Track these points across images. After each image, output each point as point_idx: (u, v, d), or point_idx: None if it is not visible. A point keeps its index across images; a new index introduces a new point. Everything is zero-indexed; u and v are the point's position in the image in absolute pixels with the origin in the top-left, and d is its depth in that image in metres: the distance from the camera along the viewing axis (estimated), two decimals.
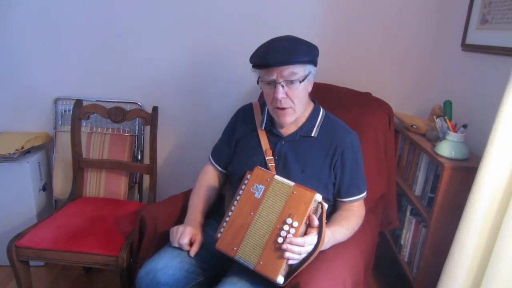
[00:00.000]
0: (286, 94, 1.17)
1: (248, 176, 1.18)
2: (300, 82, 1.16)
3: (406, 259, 1.69)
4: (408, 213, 1.70)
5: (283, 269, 1.02)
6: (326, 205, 1.11)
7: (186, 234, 1.18)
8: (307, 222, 1.07)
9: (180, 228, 1.21)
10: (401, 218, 1.75)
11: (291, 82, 1.15)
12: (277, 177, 1.12)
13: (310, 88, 1.24)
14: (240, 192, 1.17)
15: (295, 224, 1.04)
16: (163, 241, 1.32)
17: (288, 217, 1.05)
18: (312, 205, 1.07)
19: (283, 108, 1.19)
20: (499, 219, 1.11)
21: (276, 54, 1.13)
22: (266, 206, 1.09)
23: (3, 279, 1.89)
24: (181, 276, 1.15)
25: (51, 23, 1.94)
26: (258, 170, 1.15)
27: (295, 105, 1.19)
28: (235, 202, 1.16)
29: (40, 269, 1.97)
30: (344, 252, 1.16)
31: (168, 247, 1.22)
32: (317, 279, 1.01)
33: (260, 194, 1.10)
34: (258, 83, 1.22)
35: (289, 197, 1.08)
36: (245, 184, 1.17)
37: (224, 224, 1.15)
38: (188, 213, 1.31)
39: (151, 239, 1.33)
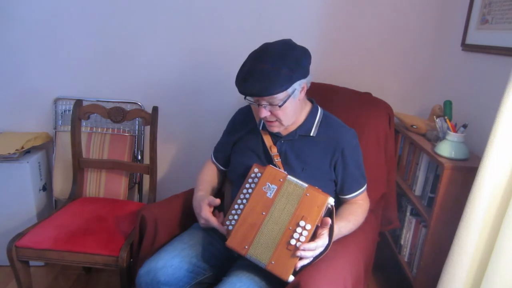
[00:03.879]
0: (271, 112, 1.18)
1: (255, 170, 1.20)
2: (280, 106, 1.15)
3: (406, 259, 1.69)
4: (408, 213, 1.70)
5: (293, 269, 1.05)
6: (332, 201, 1.11)
7: (203, 209, 1.21)
8: (319, 224, 1.08)
9: (197, 210, 1.25)
10: (401, 218, 1.75)
11: (273, 104, 1.16)
12: (290, 177, 1.12)
13: (301, 96, 1.23)
14: (247, 185, 1.18)
15: (308, 227, 1.07)
16: (164, 240, 1.32)
17: (301, 219, 1.07)
18: (325, 208, 1.08)
19: (271, 122, 1.22)
20: (499, 219, 1.11)
21: (252, 84, 1.12)
22: (278, 206, 1.10)
23: (3, 279, 1.89)
24: (181, 275, 1.15)
25: (52, 23, 1.94)
26: (271, 169, 1.15)
27: (281, 120, 1.20)
28: (242, 196, 1.17)
29: (40, 269, 1.97)
30: (344, 252, 1.16)
31: (169, 247, 1.23)
32: (318, 279, 1.01)
33: (272, 194, 1.11)
34: (245, 99, 1.22)
35: (302, 199, 1.09)
36: (252, 178, 1.18)
37: (231, 217, 1.16)
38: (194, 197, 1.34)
39: (151, 239, 1.33)
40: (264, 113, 1.17)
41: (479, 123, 1.51)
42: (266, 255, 1.07)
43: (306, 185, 1.11)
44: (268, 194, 1.12)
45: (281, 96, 1.14)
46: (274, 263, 1.05)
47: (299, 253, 1.04)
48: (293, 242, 1.06)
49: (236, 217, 1.16)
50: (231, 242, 1.11)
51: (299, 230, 1.07)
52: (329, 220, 1.07)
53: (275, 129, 1.24)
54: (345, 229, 1.20)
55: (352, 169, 1.28)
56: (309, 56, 1.21)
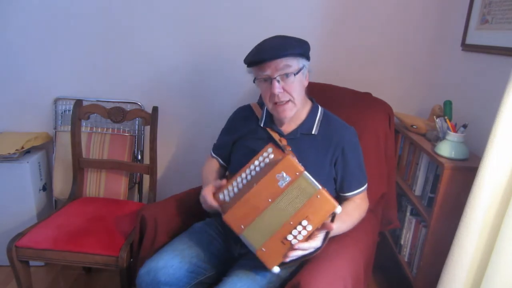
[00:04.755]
0: (283, 89, 1.18)
1: (269, 150, 1.16)
2: (294, 75, 1.17)
3: (406, 259, 1.69)
4: (408, 213, 1.70)
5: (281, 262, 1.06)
6: (339, 211, 1.09)
7: (205, 189, 1.20)
8: (319, 227, 1.08)
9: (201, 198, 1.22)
10: (401, 218, 1.75)
11: (286, 76, 1.17)
12: (306, 174, 1.09)
13: (306, 83, 1.26)
14: (256, 162, 1.16)
15: (309, 227, 1.06)
16: (164, 240, 1.32)
17: (305, 219, 1.06)
18: (330, 215, 1.08)
19: (282, 104, 1.20)
20: (499, 219, 1.11)
21: (269, 49, 1.16)
22: (285, 198, 1.09)
23: (3, 279, 1.89)
24: (181, 275, 1.15)
25: (51, 23, 1.94)
26: (290, 159, 1.11)
27: (294, 98, 1.20)
28: (247, 171, 1.15)
29: (40, 269, 1.97)
30: (345, 252, 1.16)
31: (169, 247, 1.23)
32: (318, 278, 1.01)
33: (284, 185, 1.09)
34: (254, 82, 1.24)
35: (311, 199, 1.07)
36: (263, 157, 1.16)
37: (230, 188, 1.15)
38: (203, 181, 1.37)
39: (151, 239, 1.33)
40: (277, 88, 1.17)
41: (479, 123, 1.51)
42: (260, 241, 1.06)
43: (320, 187, 1.08)
44: (279, 183, 1.09)
45: (294, 65, 1.17)
46: (264, 251, 1.06)
47: (291, 254, 1.04)
48: (290, 237, 1.05)
49: (235, 189, 1.15)
50: (229, 218, 1.09)
51: (299, 228, 1.06)
52: (332, 226, 1.06)
53: (288, 112, 1.22)
54: (338, 229, 1.18)
55: (352, 167, 1.28)
56: (309, 45, 1.25)
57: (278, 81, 1.17)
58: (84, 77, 2.03)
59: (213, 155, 1.48)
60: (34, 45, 1.97)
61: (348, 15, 1.91)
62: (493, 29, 1.51)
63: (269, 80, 1.18)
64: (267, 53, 1.15)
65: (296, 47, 1.17)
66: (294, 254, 1.05)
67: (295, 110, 1.24)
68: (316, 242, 1.07)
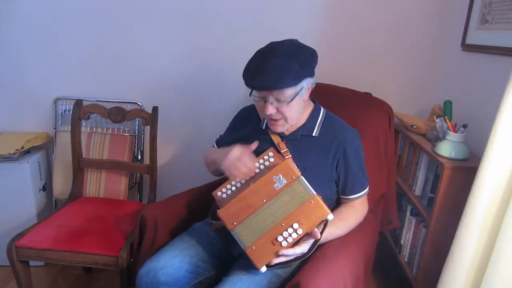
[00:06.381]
0: (277, 109, 1.17)
1: (270, 153, 1.21)
2: (288, 103, 1.15)
3: (406, 259, 1.69)
4: (408, 213, 1.70)
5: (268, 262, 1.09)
6: (330, 218, 1.11)
7: (242, 154, 1.19)
8: (309, 232, 1.09)
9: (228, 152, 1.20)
10: (401, 218, 1.75)
11: (280, 100, 1.16)
12: (302, 179, 1.12)
13: (306, 96, 1.23)
14: (256, 164, 1.20)
15: (300, 231, 1.08)
16: (164, 240, 1.32)
17: (296, 222, 1.08)
18: (321, 221, 1.10)
19: (275, 120, 1.21)
20: (499, 219, 1.11)
21: (263, 77, 1.11)
22: (280, 200, 1.11)
23: (3, 279, 1.89)
24: (181, 275, 1.16)
25: (51, 23, 1.94)
26: (288, 163, 1.13)
27: (286, 118, 1.20)
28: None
29: (40, 269, 1.97)
30: (344, 252, 1.16)
31: (169, 247, 1.23)
32: (317, 279, 1.01)
33: (280, 187, 1.11)
34: (250, 96, 1.22)
35: (305, 203, 1.10)
36: (264, 159, 1.20)
37: (229, 186, 1.19)
38: (218, 152, 1.30)
39: (151, 239, 1.33)
40: (271, 109, 1.16)
41: (479, 123, 1.51)
42: (250, 239, 1.09)
43: (314, 193, 1.10)
44: (275, 185, 1.12)
45: (289, 92, 1.14)
46: (254, 249, 1.08)
47: (277, 260, 1.07)
48: (280, 239, 1.08)
49: (233, 188, 1.18)
50: (223, 214, 1.11)
51: (290, 230, 1.08)
52: (318, 234, 1.08)
53: (279, 128, 1.23)
54: (331, 235, 1.19)
55: (354, 169, 1.27)
56: (317, 57, 1.21)
57: (272, 103, 1.16)
58: (84, 77, 2.03)
59: (216, 146, 1.46)
60: (34, 45, 1.97)
61: (349, 16, 1.91)
62: (493, 29, 1.51)
63: (263, 100, 1.17)
64: (259, 82, 1.12)
65: (294, 77, 1.12)
66: (278, 260, 1.07)
67: (287, 126, 1.24)
68: (302, 248, 1.09)
